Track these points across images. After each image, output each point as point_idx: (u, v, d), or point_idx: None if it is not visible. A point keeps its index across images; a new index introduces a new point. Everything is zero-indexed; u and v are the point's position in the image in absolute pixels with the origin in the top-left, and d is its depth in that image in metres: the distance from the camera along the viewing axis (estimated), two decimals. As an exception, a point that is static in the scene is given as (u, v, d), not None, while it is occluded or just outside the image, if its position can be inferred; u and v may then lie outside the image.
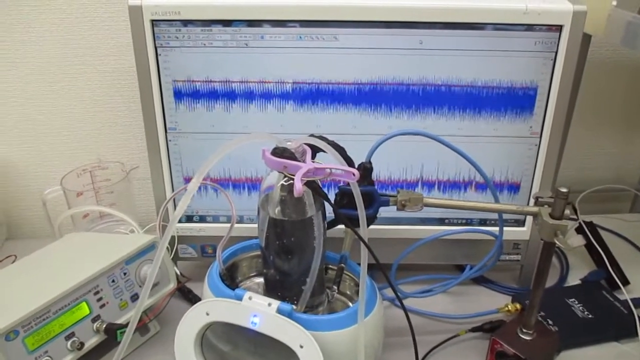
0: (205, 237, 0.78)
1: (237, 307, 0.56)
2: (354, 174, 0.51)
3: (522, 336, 0.64)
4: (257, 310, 0.55)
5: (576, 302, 0.75)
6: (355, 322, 0.56)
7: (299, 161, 0.53)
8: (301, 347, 0.53)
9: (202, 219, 0.78)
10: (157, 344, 0.70)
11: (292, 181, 0.55)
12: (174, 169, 0.75)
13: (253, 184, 0.76)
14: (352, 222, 0.55)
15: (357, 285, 0.65)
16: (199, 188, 0.75)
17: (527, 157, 0.73)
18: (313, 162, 0.53)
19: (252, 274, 0.70)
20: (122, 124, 0.93)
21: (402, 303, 0.59)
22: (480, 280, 0.82)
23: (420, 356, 0.68)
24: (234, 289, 0.58)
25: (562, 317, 0.72)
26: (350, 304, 0.66)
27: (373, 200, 0.59)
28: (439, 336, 0.70)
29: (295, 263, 0.59)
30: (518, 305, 0.74)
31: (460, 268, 0.85)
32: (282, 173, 0.54)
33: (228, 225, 0.63)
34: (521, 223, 0.77)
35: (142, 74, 0.69)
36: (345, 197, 0.59)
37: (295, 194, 0.49)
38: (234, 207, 0.66)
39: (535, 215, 0.58)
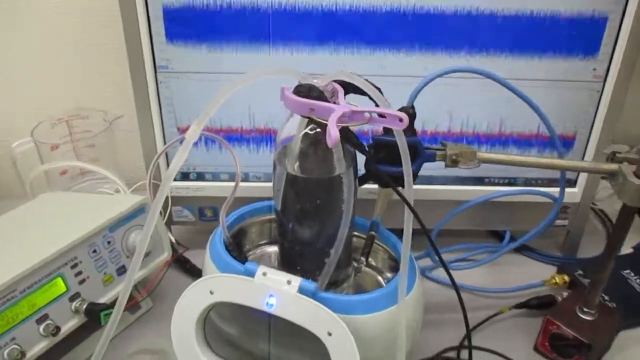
0: (204, 197, 0.68)
1: (249, 285, 0.46)
2: (401, 120, 0.40)
3: (583, 316, 0.55)
4: (274, 289, 0.45)
5: (632, 274, 0.66)
6: (394, 302, 0.46)
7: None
8: (329, 334, 0.43)
9: (200, 177, 0.67)
10: (150, 323, 0.60)
11: (318, 129, 0.44)
12: (165, 117, 0.64)
13: (261, 135, 0.64)
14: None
15: (390, 256, 0.55)
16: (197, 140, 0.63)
17: (586, 106, 0.62)
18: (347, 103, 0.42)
19: (263, 242, 0.59)
20: (104, 64, 0.80)
21: (452, 278, 0.49)
22: (519, 249, 0.72)
23: (459, 337, 0.58)
24: (243, 262, 0.47)
25: (619, 292, 0.63)
26: (380, 279, 0.56)
27: (416, 155, 0.48)
28: (478, 313, 0.61)
29: (318, 230, 0.49)
30: (566, 277, 0.65)
31: (495, 235, 0.75)
32: (308, 118, 0.42)
33: (230, 184, 0.53)
34: (572, 183, 0.67)
35: (124, -3, 0.56)
36: (381, 150, 0.48)
37: (330, 144, 0.37)
38: (238, 162, 0.55)
39: (613, 175, 0.48)
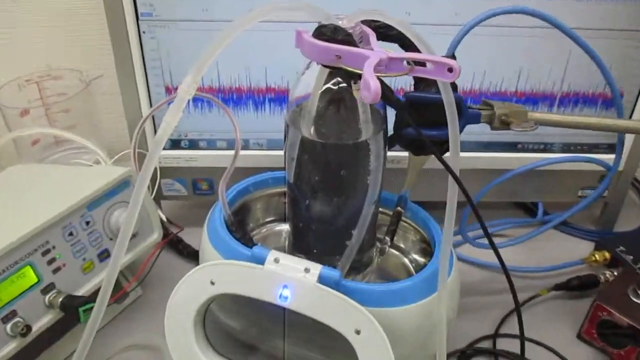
0: (198, 168, 0.60)
1: (258, 273, 0.39)
2: (451, 69, 0.32)
3: (637, 300, 0.48)
4: (289, 279, 0.38)
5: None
6: (432, 291, 0.39)
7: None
8: (357, 332, 0.36)
9: (193, 145, 0.59)
10: (139, 314, 0.53)
11: (343, 84, 0.36)
12: (150, 76, 0.55)
13: (263, 95, 0.56)
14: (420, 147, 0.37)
15: (420, 236, 0.47)
16: (189, 101, 0.55)
17: (636, 60, 0.54)
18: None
19: (270, 219, 0.52)
20: (79, 15, 0.72)
21: (501, 260, 0.41)
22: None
23: (492, 324, 0.52)
24: (250, 246, 0.40)
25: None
26: (407, 261, 0.49)
27: (459, 114, 0.40)
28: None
29: (339, 207, 0.41)
30: (607, 254, 0.58)
31: (521, 207, 0.68)
32: (331, 69, 0.34)
33: (228, 152, 0.45)
34: (613, 149, 0.59)
35: None
36: (414, 110, 0.40)
37: (370, 99, 0.29)
38: (238, 127, 0.46)
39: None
